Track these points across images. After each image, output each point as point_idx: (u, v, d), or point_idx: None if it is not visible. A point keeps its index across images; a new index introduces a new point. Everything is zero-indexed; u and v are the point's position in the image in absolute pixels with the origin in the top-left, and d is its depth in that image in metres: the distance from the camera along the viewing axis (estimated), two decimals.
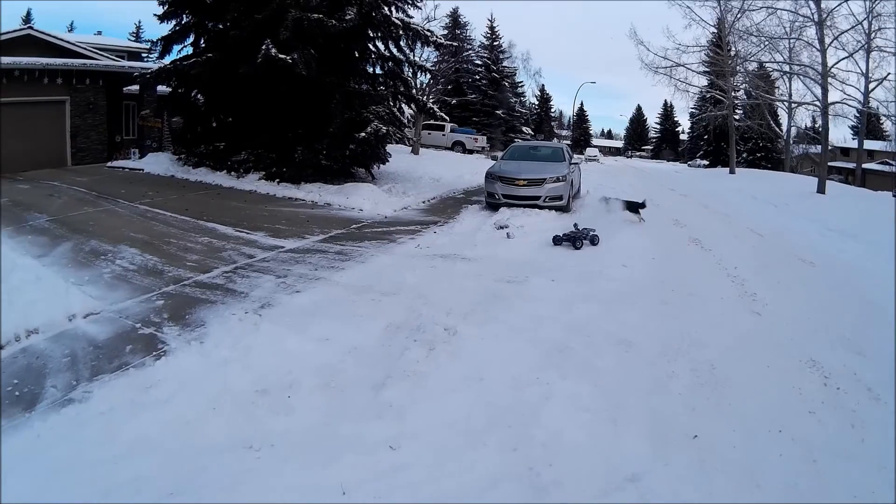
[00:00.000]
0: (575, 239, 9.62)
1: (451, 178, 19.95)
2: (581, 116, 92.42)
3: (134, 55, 24.21)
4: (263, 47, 14.05)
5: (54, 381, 5.03)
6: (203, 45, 17.69)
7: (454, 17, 51.22)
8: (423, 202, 14.83)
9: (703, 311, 6.72)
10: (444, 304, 6.50)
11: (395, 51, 18.57)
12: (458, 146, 38.35)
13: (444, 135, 38.68)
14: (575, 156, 16.66)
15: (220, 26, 16.79)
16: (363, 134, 15.50)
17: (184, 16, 17.42)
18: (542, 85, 78.25)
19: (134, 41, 22.33)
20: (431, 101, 23.88)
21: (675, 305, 6.85)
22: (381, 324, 6.02)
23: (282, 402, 4.57)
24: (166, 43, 17.82)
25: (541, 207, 12.45)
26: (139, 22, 58.70)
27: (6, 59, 17.16)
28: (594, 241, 9.72)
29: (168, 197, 13.43)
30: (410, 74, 21.36)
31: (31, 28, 20.11)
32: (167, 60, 18.33)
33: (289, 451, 3.98)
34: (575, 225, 9.89)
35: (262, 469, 3.79)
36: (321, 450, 3.91)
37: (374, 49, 18.26)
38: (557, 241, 9.72)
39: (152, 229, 10.22)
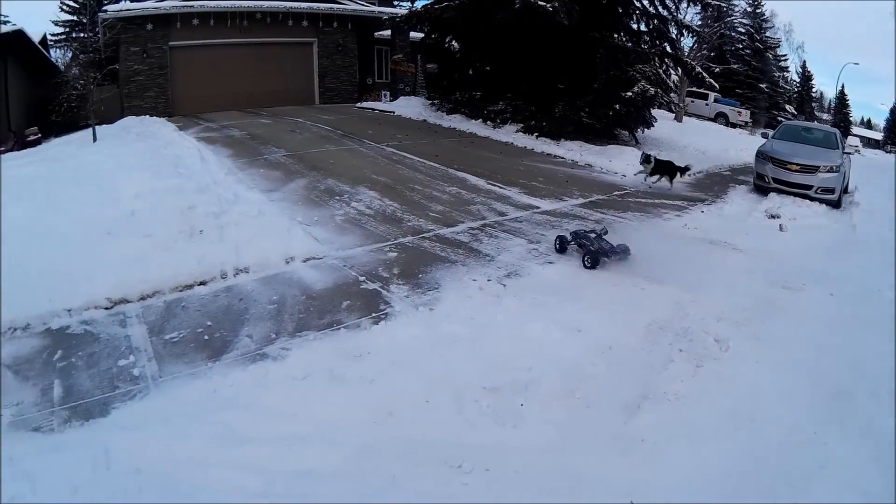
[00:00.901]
0: (582, 244, 7.01)
1: (715, 151, 19.59)
2: (841, 101, 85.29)
3: (385, 2, 26.02)
4: None
5: (251, 330, 5.01)
6: None
7: None
8: (688, 175, 13.88)
9: None
10: (714, 304, 6.01)
11: (659, 7, 18.41)
12: (720, 118, 37.93)
13: (707, 104, 38.67)
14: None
15: None
16: (629, 94, 15.68)
17: None
18: (804, 61, 73.90)
19: None
20: (697, 66, 22.97)
21: None
22: (643, 319, 5.35)
23: (512, 408, 3.97)
24: None
25: (811, 199, 11.99)
26: None
27: (246, 3, 20.07)
28: (592, 260, 6.72)
29: (418, 141, 13.95)
30: (675, 34, 21.01)
31: None
32: (419, 5, 19.38)
33: (504, 483, 3.37)
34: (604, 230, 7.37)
35: (464, 500, 3.19)
36: (545, 489, 3.37)
37: (638, 4, 18.23)
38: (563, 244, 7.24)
39: (396, 173, 10.57)
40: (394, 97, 21.70)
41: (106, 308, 5.64)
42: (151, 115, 17.71)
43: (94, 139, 14.07)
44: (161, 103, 19.32)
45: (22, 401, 4.24)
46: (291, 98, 20.83)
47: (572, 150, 14.45)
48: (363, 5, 23.02)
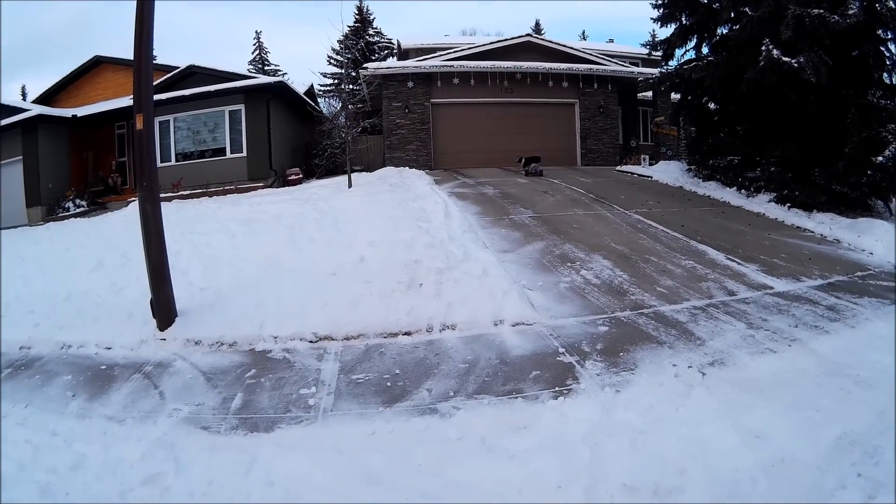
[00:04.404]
0: None
1: None
2: None
3: (648, 62, 26.21)
4: (763, 49, 14.26)
5: (433, 385, 5.45)
6: (705, 49, 18.75)
7: None
8: None
9: None
10: None
11: None
12: None
13: None
14: None
15: (720, 30, 17.91)
16: (880, 158, 14.27)
17: (682, 18, 18.76)
18: None
19: (649, 48, 24.00)
20: None
21: None
22: (834, 431, 4.71)
23: None
24: (667, 47, 19.27)
25: None
26: (653, 30, 64.09)
27: (504, 64, 21.87)
28: None
29: (668, 209, 13.80)
30: None
31: (529, 36, 24.75)
32: (674, 65, 19.42)
33: None
34: None
35: None
36: None
37: (887, 52, 16.48)
38: None
39: (636, 242, 10.58)
40: (654, 161, 21.60)
41: (310, 342, 6.59)
42: (412, 167, 19.62)
43: (350, 185, 15.78)
44: (422, 156, 21.28)
45: (203, 403, 5.42)
46: (553, 158, 21.56)
47: (822, 224, 13.46)
48: (622, 66, 23.67)
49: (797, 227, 13.09)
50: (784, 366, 5.93)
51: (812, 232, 12.73)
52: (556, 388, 5.31)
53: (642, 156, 22.18)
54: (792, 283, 8.78)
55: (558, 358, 5.95)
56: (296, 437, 4.76)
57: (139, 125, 7.19)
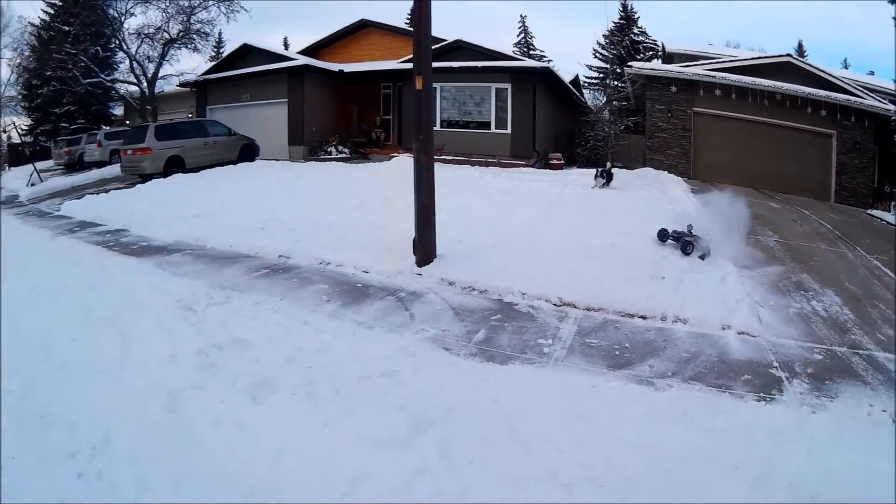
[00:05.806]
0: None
1: None
2: None
3: None
4: None
5: (655, 363, 6.16)
6: None
7: None
8: None
9: None
10: None
11: None
12: None
13: None
14: None
15: None
16: None
17: None
18: None
19: None
20: None
21: None
22: None
23: None
24: None
25: None
26: None
27: (766, 82, 20.64)
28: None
29: None
30: None
31: (790, 56, 22.65)
32: None
33: None
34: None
35: None
36: None
37: None
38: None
39: (869, 287, 10.06)
40: None
41: (554, 304, 7.50)
42: (670, 173, 19.61)
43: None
44: (681, 163, 21.07)
45: (448, 330, 6.54)
46: (802, 188, 20.57)
47: None
48: (880, 101, 21.19)
49: None
50: None
51: None
52: (761, 394, 5.67)
53: (893, 203, 20.57)
54: None
55: (770, 370, 6.26)
56: (526, 373, 5.65)
57: (418, 85, 8.32)
